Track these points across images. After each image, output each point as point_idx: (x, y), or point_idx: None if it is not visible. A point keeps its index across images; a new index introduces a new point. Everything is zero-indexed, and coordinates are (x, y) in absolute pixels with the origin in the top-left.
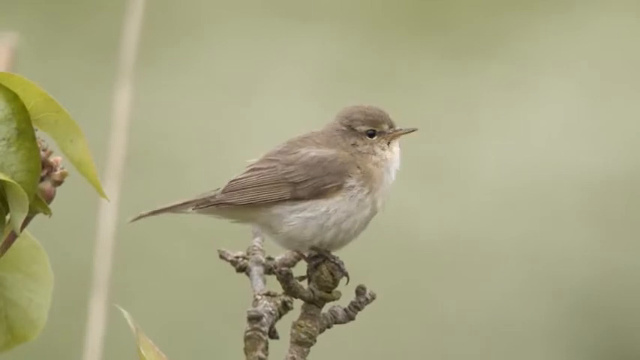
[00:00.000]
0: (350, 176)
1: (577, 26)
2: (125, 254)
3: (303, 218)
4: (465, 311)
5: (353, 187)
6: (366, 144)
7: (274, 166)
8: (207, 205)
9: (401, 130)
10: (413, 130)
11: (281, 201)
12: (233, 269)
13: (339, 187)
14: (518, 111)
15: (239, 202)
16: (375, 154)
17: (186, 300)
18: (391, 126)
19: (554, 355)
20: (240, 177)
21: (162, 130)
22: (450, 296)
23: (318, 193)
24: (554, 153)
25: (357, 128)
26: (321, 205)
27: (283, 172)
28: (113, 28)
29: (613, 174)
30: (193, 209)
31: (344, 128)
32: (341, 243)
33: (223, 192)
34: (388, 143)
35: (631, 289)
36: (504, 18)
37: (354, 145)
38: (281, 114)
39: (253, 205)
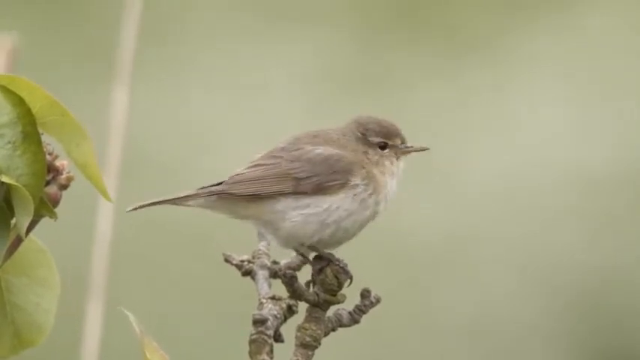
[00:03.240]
0: (354, 175)
1: (571, 27)
2: (123, 258)
3: (305, 215)
4: (461, 311)
5: (357, 185)
6: (376, 155)
7: (278, 162)
8: (208, 194)
9: (412, 147)
10: (425, 149)
11: (284, 196)
12: (233, 273)
13: (343, 185)
14: (512, 111)
15: (241, 193)
16: (383, 165)
17: (185, 304)
18: (403, 142)
19: (550, 354)
20: (244, 171)
21: (159, 132)
22: (445, 297)
23: (321, 189)
24: (548, 153)
25: (370, 139)
26: (324, 202)
27: (287, 167)
28: (110, 30)
29: (608, 174)
30: (194, 199)
31: (359, 135)
32: (338, 242)
33: (226, 184)
34: (397, 158)
35: (626, 287)
36: (497, 19)
37: (364, 152)
38: (277, 116)
39: (256, 199)
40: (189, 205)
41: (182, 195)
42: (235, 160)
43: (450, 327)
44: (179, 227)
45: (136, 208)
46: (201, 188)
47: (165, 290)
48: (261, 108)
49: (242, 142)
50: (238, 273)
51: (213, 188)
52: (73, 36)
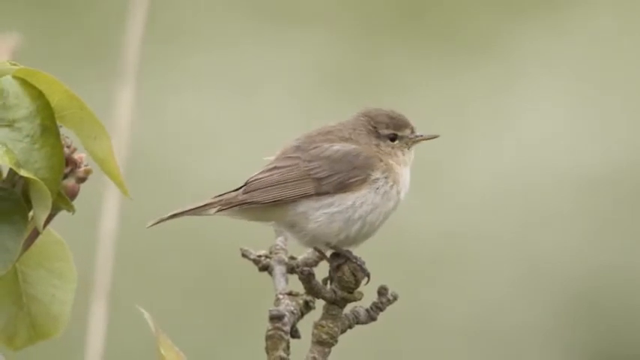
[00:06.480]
0: (374, 169)
1: (566, 28)
2: (126, 260)
3: (329, 214)
4: (460, 311)
5: (378, 179)
6: (387, 146)
7: (296, 164)
8: (230, 206)
9: (422, 136)
10: (435, 137)
11: (306, 198)
12: (241, 272)
13: (364, 181)
14: (512, 111)
15: (263, 201)
16: (396, 156)
17: (193, 303)
18: (413, 131)
19: (550, 353)
20: (261, 176)
21: (164, 132)
22: (444, 296)
23: (343, 187)
24: (548, 153)
25: (381, 131)
26: (348, 199)
27: (307, 168)
28: (114, 29)
29: (603, 174)
30: (216, 212)
31: (370, 128)
32: (365, 236)
33: (245, 192)
34: (408, 148)
35: (626, 287)
36: (495, 21)
37: (376, 145)
38: (281, 117)
39: (278, 203)
40: (208, 214)
41: (201, 205)
42: (237, 159)
43: (449, 326)
44: (184, 226)
45: (157, 222)
46: (219, 195)
47: (172, 289)
48: (262, 109)
49: (243, 142)
50: (248, 272)
51: (233, 197)
52: (77, 34)
